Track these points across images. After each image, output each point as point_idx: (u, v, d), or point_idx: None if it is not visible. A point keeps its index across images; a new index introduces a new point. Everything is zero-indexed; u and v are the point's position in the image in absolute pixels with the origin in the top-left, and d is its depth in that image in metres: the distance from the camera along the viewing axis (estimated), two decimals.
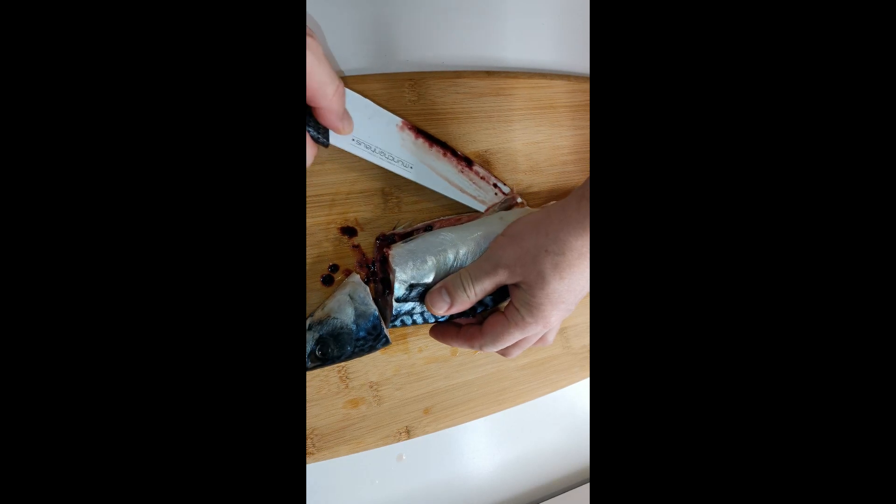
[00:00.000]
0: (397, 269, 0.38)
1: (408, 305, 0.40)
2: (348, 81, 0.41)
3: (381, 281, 0.41)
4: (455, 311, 0.39)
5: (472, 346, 0.40)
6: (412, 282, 0.39)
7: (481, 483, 0.51)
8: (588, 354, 0.51)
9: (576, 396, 0.55)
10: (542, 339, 0.41)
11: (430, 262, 0.39)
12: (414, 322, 0.41)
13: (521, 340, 0.39)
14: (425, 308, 0.40)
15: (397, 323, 0.40)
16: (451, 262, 0.39)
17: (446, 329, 0.42)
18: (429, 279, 0.39)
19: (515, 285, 0.38)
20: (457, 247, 0.39)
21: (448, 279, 0.39)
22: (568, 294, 0.36)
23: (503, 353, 0.41)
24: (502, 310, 0.39)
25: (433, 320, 0.41)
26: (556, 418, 0.54)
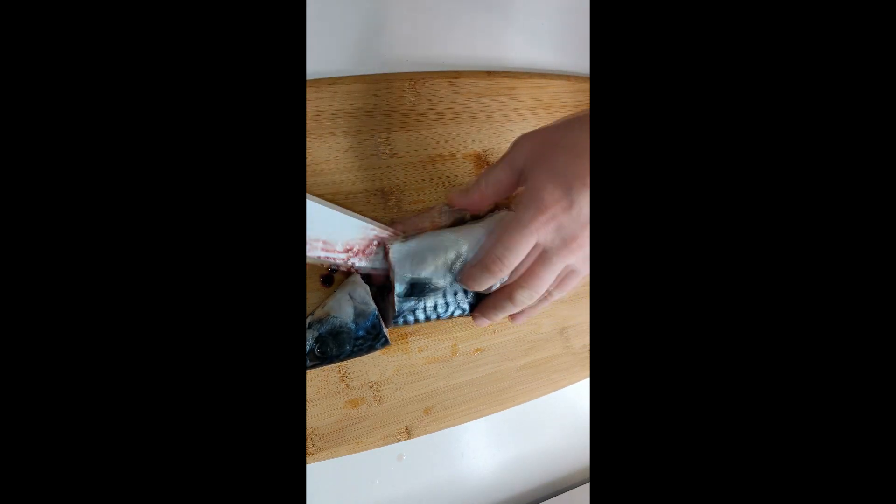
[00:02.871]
0: (396, 266, 0.38)
1: (410, 302, 0.39)
2: (348, 81, 0.41)
3: (379, 284, 0.41)
4: (472, 200, 0.39)
5: (492, 273, 0.38)
6: (412, 277, 0.39)
7: (481, 483, 0.51)
8: (588, 354, 0.51)
9: (576, 397, 0.54)
10: (568, 276, 0.39)
11: (429, 259, 0.39)
12: (416, 320, 0.40)
13: (540, 269, 0.37)
14: (428, 305, 0.40)
15: (400, 321, 0.40)
16: (451, 259, 0.39)
17: (480, 305, 0.41)
18: (428, 275, 0.39)
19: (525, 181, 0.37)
20: (458, 245, 0.39)
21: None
22: (566, 168, 0.35)
23: (526, 283, 0.38)
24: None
25: (436, 318, 0.41)
26: (556, 418, 0.54)
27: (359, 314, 0.39)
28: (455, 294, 0.41)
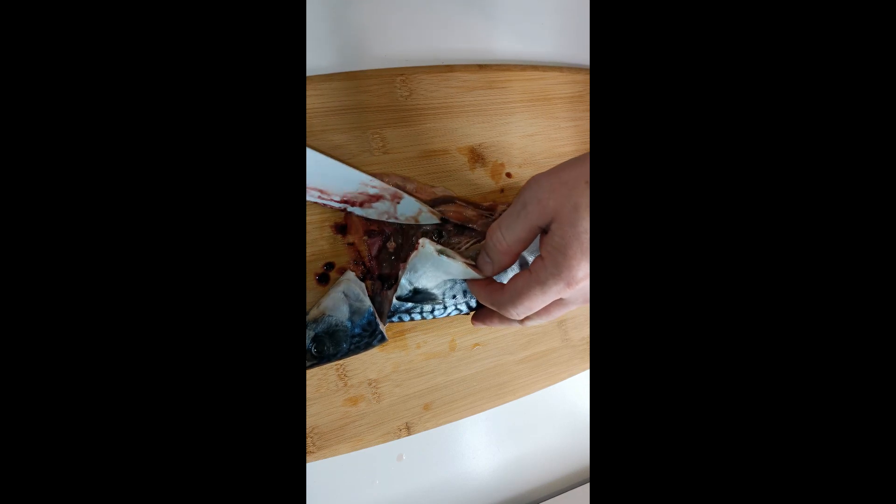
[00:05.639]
0: (409, 268, 0.38)
1: (407, 305, 0.39)
2: (339, 78, 0.40)
3: (378, 277, 0.41)
4: (498, 269, 0.36)
5: (496, 307, 0.36)
6: (418, 286, 0.38)
7: (481, 483, 0.51)
8: (587, 346, 0.51)
9: (576, 397, 0.54)
10: (557, 304, 0.35)
11: (443, 277, 0.38)
12: (412, 319, 0.40)
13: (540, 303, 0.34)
14: (425, 308, 0.40)
15: (395, 319, 0.40)
16: (463, 285, 0.39)
17: (481, 311, 0.41)
18: (434, 289, 0.39)
19: (546, 231, 0.33)
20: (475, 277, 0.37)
21: (485, 240, 0.36)
22: None
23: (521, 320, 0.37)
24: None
25: (431, 318, 0.41)
26: (556, 418, 0.54)
27: (354, 312, 0.39)
28: (454, 297, 0.41)
